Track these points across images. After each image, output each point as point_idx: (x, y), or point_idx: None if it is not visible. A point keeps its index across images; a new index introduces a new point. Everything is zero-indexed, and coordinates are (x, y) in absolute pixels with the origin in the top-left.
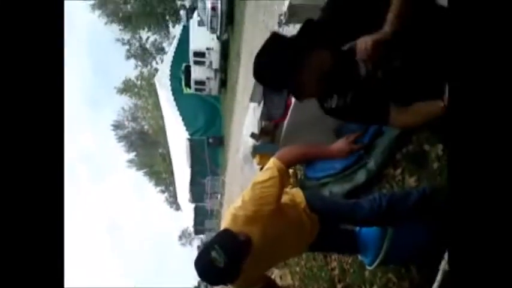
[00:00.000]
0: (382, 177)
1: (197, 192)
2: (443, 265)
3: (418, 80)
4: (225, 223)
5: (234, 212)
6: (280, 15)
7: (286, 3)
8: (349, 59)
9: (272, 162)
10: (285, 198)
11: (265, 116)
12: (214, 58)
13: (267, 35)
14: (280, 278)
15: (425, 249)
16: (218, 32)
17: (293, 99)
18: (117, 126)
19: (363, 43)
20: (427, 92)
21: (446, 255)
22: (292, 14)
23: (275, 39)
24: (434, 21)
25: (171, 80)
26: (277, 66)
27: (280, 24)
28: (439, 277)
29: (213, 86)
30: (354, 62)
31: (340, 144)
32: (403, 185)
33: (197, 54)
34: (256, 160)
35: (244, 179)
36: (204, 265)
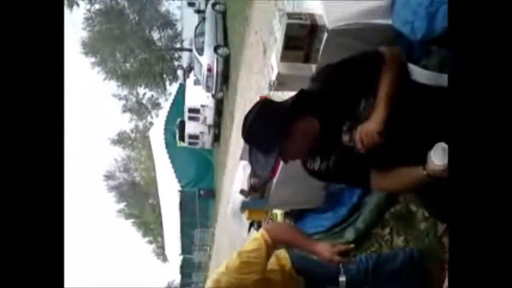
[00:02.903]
0: (370, 236)
1: (186, 244)
2: None
3: (399, 147)
4: None
5: (218, 278)
6: (270, 82)
7: (275, 72)
8: (334, 127)
9: (260, 234)
10: (270, 261)
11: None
12: (209, 114)
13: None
14: None
15: None
16: (213, 91)
17: None
18: (108, 176)
19: (365, 136)
20: (409, 158)
21: None
22: (280, 82)
23: (265, 103)
24: (413, 92)
25: (165, 133)
26: (265, 129)
27: (270, 89)
28: None
29: (206, 140)
30: (338, 129)
31: (325, 248)
32: (391, 245)
33: (192, 110)
34: (245, 215)
35: (233, 232)
36: None
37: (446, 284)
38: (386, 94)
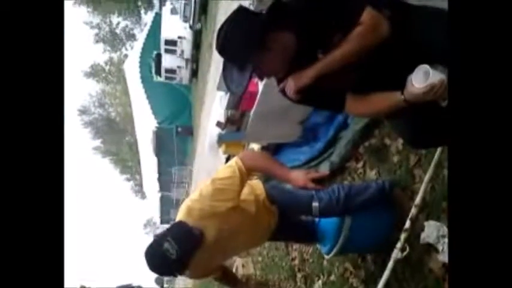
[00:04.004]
0: (344, 169)
1: (164, 181)
2: (395, 254)
3: (377, 70)
4: (180, 215)
5: (190, 205)
6: (249, 3)
7: None
8: (310, 47)
9: (235, 161)
10: (244, 191)
11: (232, 104)
12: (186, 47)
13: None
14: (243, 266)
15: (380, 239)
16: (191, 21)
17: (260, 89)
18: (83, 111)
19: (287, 87)
20: (386, 83)
21: (398, 244)
22: (260, 0)
23: (242, 12)
24: (393, 13)
25: (141, 67)
26: (241, 38)
27: (250, 8)
28: (390, 265)
29: (184, 75)
30: (314, 51)
31: (299, 175)
32: (364, 178)
33: (169, 42)
34: (222, 149)
35: (211, 169)
36: (155, 256)
37: (412, 212)
38: (335, 57)
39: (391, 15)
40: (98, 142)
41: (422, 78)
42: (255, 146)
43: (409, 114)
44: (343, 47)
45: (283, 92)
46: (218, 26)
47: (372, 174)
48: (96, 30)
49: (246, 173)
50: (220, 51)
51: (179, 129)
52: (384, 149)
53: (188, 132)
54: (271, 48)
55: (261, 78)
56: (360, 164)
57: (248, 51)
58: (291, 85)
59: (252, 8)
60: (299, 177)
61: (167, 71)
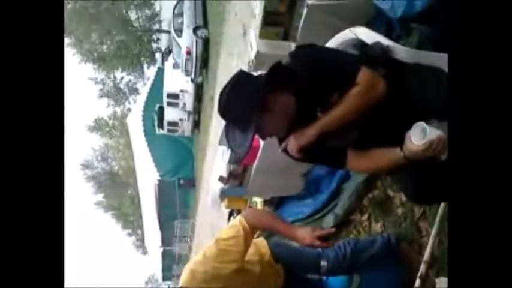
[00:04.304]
0: (349, 222)
1: (166, 235)
2: None
3: (377, 127)
4: (183, 279)
5: (193, 268)
6: (249, 62)
7: (254, 51)
8: (309, 107)
9: (238, 220)
10: (249, 251)
11: (234, 159)
12: (188, 100)
13: None
14: None
15: None
16: (193, 75)
17: (261, 143)
18: (86, 166)
19: (289, 146)
20: (385, 138)
21: None
22: (259, 62)
23: (242, 75)
24: (393, 71)
25: (143, 120)
26: (243, 101)
27: (249, 70)
28: None
29: (186, 127)
30: (313, 110)
31: (305, 233)
32: (369, 231)
33: (171, 95)
34: (224, 203)
35: (214, 222)
36: None
37: (421, 269)
38: (334, 117)
39: (385, 73)
40: (100, 197)
41: (420, 135)
42: (258, 200)
43: (410, 170)
44: (342, 107)
45: (285, 151)
46: (219, 79)
47: (377, 227)
48: (100, 86)
49: (251, 232)
50: (223, 114)
51: (181, 181)
52: (388, 201)
53: (190, 184)
54: (272, 109)
55: (264, 138)
56: (365, 217)
57: (250, 114)
58: (292, 144)
59: (251, 67)
60: (305, 235)
61: (170, 123)
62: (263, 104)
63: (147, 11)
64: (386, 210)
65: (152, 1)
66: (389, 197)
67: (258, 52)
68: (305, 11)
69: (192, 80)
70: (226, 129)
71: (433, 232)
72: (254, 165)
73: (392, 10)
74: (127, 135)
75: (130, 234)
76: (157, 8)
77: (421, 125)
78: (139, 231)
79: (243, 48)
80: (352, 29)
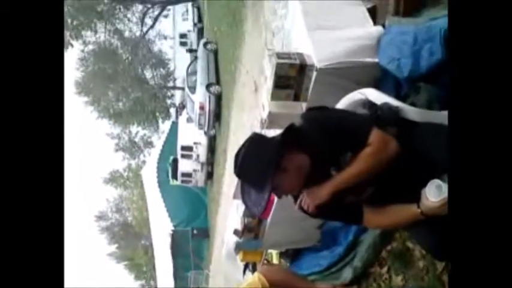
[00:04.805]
0: (369, 275)
1: (179, 286)
2: None
3: (392, 184)
4: None
5: None
6: (262, 120)
7: (266, 111)
8: (323, 165)
9: (257, 277)
10: None
11: (248, 212)
12: (202, 152)
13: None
14: None
15: None
16: (206, 128)
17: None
18: (100, 217)
19: (305, 204)
20: (402, 195)
21: None
22: (271, 121)
23: (256, 137)
24: (404, 130)
25: (158, 172)
26: (257, 162)
27: (262, 127)
28: None
29: (199, 178)
30: (327, 168)
31: None
32: (390, 284)
33: (185, 148)
34: (239, 257)
35: (228, 273)
36: None
37: None
38: (349, 175)
39: (396, 133)
40: (113, 247)
41: (436, 192)
42: (274, 252)
43: (427, 225)
44: (356, 166)
45: (301, 208)
46: (231, 131)
47: (398, 280)
48: (116, 140)
49: None
50: (239, 175)
51: (195, 231)
52: (407, 253)
53: (204, 234)
54: (288, 169)
55: (279, 197)
56: (385, 269)
57: (265, 175)
58: (308, 202)
59: (263, 126)
60: None
61: (183, 174)
62: (278, 164)
63: (162, 69)
64: (407, 263)
65: (167, 61)
66: (408, 248)
67: (270, 112)
68: (314, 74)
69: (205, 133)
70: (242, 187)
71: None
72: (269, 218)
73: (398, 70)
74: (141, 186)
75: (143, 286)
76: (172, 67)
77: (436, 182)
78: (152, 282)
79: (254, 104)
80: (361, 90)
